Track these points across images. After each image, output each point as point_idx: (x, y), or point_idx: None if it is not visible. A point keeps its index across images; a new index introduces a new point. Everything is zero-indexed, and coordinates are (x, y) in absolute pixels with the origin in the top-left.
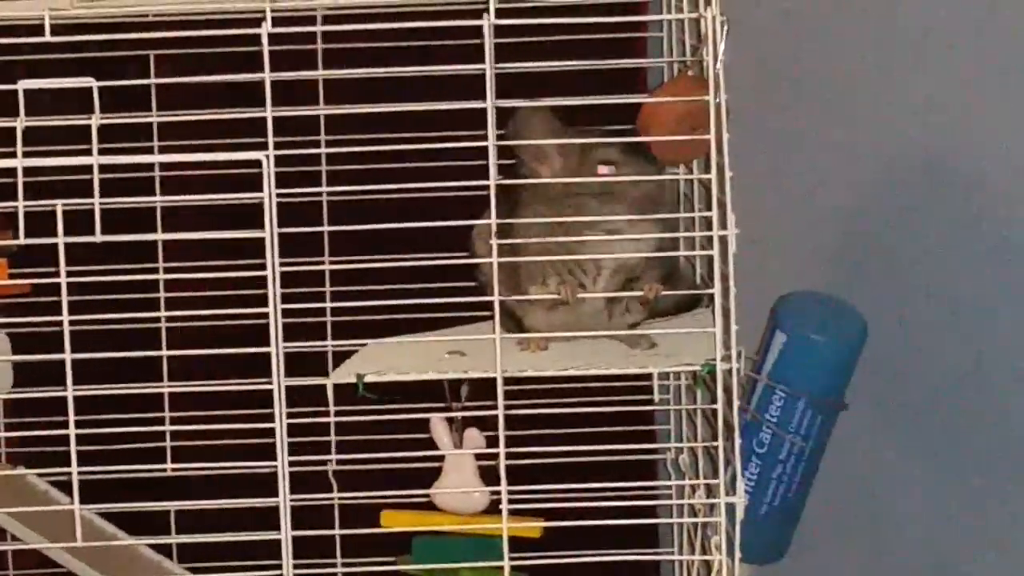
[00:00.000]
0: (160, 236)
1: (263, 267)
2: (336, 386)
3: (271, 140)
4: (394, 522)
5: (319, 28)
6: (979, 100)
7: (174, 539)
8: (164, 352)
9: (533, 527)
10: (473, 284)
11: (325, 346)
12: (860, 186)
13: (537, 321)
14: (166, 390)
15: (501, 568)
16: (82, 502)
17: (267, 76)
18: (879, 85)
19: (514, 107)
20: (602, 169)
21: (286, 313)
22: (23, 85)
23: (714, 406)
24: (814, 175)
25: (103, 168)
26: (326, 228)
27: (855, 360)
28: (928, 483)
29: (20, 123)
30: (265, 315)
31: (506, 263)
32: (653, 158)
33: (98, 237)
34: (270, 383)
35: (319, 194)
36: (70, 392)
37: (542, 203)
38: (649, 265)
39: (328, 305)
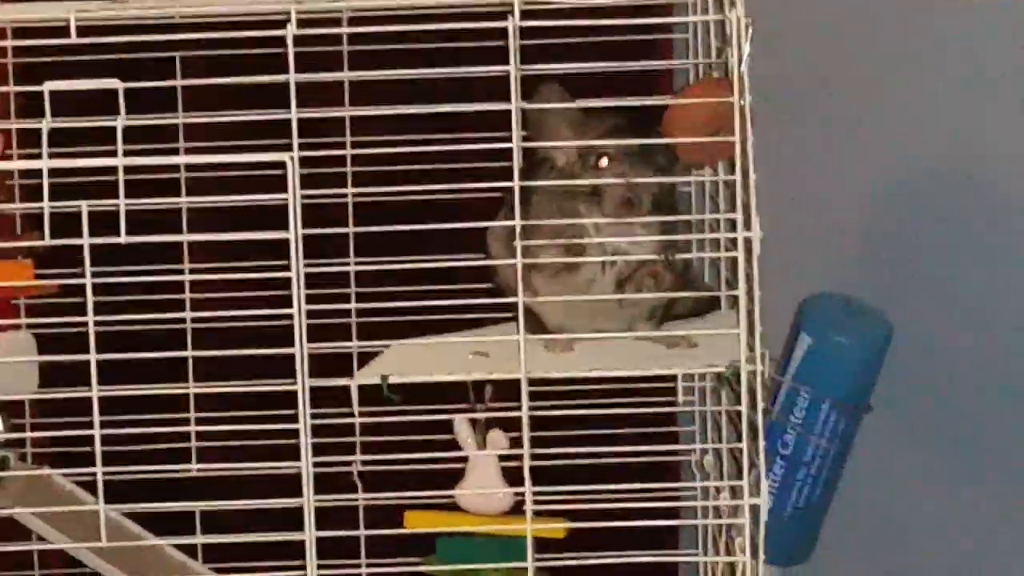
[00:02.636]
0: (185, 237)
1: (288, 268)
2: (360, 387)
3: (296, 142)
4: (418, 523)
5: (344, 30)
6: (1006, 107)
7: (199, 539)
8: (189, 353)
9: (557, 528)
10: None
11: (350, 347)
12: (885, 189)
13: (547, 307)
14: (191, 391)
15: (525, 569)
16: (107, 502)
17: (292, 77)
18: (905, 89)
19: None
20: (603, 163)
21: (311, 314)
22: (49, 87)
23: (738, 407)
24: (839, 177)
25: (128, 169)
26: (351, 229)
27: (880, 363)
28: (953, 486)
29: (46, 124)
30: (290, 316)
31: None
32: (663, 162)
33: (123, 238)
34: (295, 384)
35: (344, 195)
36: (95, 392)
37: (548, 197)
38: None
39: (353, 306)
